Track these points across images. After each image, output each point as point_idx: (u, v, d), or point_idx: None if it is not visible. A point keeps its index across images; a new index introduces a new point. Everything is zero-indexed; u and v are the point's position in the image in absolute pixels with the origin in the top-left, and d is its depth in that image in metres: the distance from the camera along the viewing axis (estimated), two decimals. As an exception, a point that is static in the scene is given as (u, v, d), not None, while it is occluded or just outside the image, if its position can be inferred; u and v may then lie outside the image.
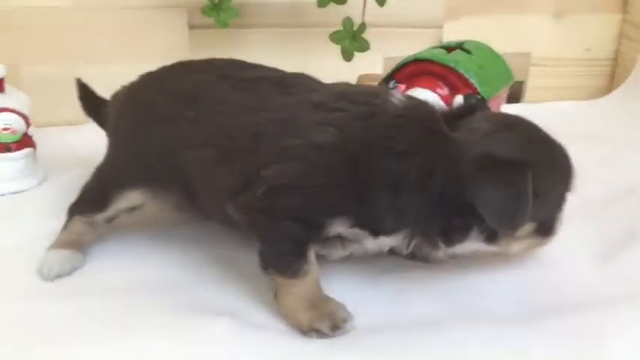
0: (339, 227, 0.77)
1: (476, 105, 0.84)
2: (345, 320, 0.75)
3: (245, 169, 0.79)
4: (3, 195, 1.12)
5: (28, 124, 1.14)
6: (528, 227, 0.79)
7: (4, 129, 1.10)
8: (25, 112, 1.14)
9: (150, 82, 0.95)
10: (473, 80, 0.92)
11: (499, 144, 0.76)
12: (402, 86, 0.97)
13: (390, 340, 0.74)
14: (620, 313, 0.77)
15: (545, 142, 0.82)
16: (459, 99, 0.92)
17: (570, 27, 1.58)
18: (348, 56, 1.26)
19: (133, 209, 0.95)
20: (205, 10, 1.27)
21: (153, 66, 1.05)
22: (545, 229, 0.82)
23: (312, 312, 0.75)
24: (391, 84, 0.97)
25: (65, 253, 0.90)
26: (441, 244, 0.79)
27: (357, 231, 0.78)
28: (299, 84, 0.85)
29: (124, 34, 1.42)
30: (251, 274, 0.84)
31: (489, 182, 0.73)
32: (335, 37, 1.25)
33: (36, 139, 1.19)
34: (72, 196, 1.06)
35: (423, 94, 0.94)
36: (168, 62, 1.14)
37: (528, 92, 1.62)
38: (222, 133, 0.82)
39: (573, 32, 1.59)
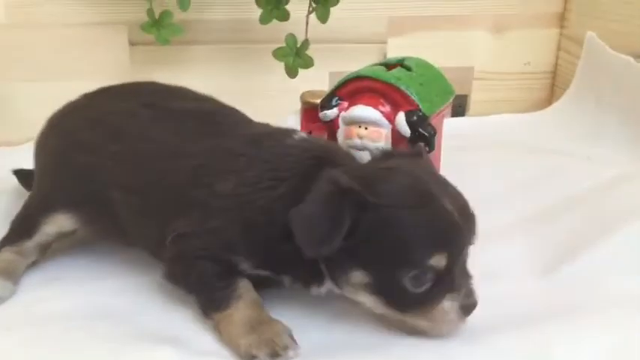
0: (244, 266, 0.79)
1: (418, 152, 0.83)
2: (285, 348, 0.71)
3: (161, 222, 0.83)
4: None
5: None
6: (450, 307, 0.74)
7: None
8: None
9: (72, 109, 0.96)
10: (414, 97, 0.92)
11: (359, 177, 0.73)
12: (345, 103, 0.97)
13: None
14: (566, 324, 0.78)
15: (425, 195, 0.72)
16: (400, 116, 0.92)
17: (510, 42, 1.62)
18: (292, 73, 1.25)
19: (64, 235, 0.94)
20: (145, 27, 1.25)
21: (94, 83, 1.03)
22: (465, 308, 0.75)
23: (251, 337, 0.73)
24: (334, 101, 0.97)
25: None
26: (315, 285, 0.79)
27: (264, 273, 0.79)
28: (219, 122, 0.88)
29: (63, 52, 1.39)
30: (193, 300, 0.82)
31: (309, 204, 0.72)
32: (278, 54, 1.24)
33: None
34: (7, 219, 1.02)
35: (365, 111, 0.94)
36: (109, 79, 1.11)
37: (472, 105, 1.65)
38: (143, 180, 0.85)
39: (513, 47, 1.62)
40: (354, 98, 0.96)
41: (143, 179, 0.85)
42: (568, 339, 0.76)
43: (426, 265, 0.70)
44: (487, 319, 0.80)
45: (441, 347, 0.75)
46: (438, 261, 0.71)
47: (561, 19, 1.62)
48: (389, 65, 0.99)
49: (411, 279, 0.71)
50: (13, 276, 0.89)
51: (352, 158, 0.85)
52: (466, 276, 0.75)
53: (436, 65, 1.08)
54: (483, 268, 0.91)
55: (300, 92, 1.28)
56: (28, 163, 1.22)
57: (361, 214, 0.70)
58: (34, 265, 0.94)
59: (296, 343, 0.73)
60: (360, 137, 0.95)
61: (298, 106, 1.17)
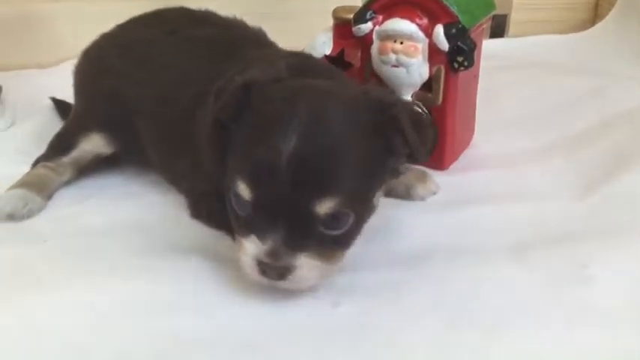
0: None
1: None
2: None
3: (172, 153, 0.85)
4: (-33, 139, 1.08)
5: (-11, 65, 1.09)
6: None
7: (-35, 70, 1.06)
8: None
9: (104, 38, 1.00)
10: (453, 8, 0.88)
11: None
12: (380, 17, 0.93)
13: (384, 278, 0.72)
14: (603, 246, 0.77)
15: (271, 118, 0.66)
16: (438, 29, 0.88)
17: (554, -41, 1.54)
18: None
19: (98, 155, 0.95)
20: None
21: (124, 2, 1.01)
22: None
23: None
24: (368, 14, 0.93)
25: (19, 193, 0.88)
26: None
27: None
28: (233, 48, 0.87)
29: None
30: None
31: None
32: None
33: (2, 82, 1.15)
34: (39, 141, 1.04)
35: (401, 24, 0.90)
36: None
37: (512, 26, 1.59)
38: (159, 108, 0.86)
39: (556, -36, 1.55)
40: (389, 11, 0.92)
41: (160, 107, 0.87)
42: (604, 257, 0.74)
43: (234, 187, 0.66)
44: (524, 237, 0.80)
45: (485, 264, 0.75)
46: (242, 190, 0.65)
47: None
48: (427, -25, 0.94)
49: (229, 192, 0.67)
50: (44, 191, 0.91)
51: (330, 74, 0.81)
52: (292, 243, 0.64)
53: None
54: (520, 188, 0.92)
55: (331, 10, 1.24)
56: (59, 83, 1.23)
57: (246, 105, 0.67)
58: (68, 183, 0.95)
59: None
60: (395, 52, 0.91)
61: (328, 23, 1.13)
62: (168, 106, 0.86)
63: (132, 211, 0.88)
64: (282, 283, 0.65)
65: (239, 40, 0.91)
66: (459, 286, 0.71)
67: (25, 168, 0.96)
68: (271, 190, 0.63)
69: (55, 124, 1.10)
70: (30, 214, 0.87)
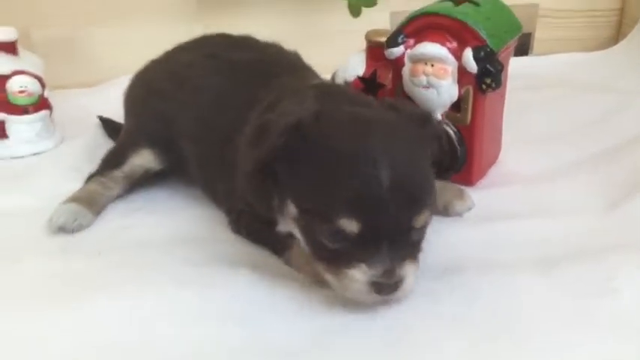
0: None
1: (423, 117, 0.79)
2: None
3: (213, 174, 0.92)
4: (22, 157, 1.15)
5: (43, 86, 1.16)
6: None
7: (20, 91, 1.13)
8: (40, 74, 1.16)
9: (152, 63, 1.07)
10: (481, 33, 0.92)
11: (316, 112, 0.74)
12: (411, 40, 0.97)
13: (420, 290, 0.75)
14: (629, 260, 0.79)
15: (359, 153, 0.70)
16: (468, 52, 0.93)
17: (576, -22, 1.58)
18: (355, 12, 1.26)
19: (148, 171, 1.01)
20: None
21: (163, 26, 1.07)
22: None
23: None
24: (400, 38, 0.97)
25: (71, 207, 0.94)
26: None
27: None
28: (268, 72, 0.93)
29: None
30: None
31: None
32: (342, -7, 1.25)
33: (51, 101, 1.21)
34: (88, 158, 1.10)
35: (432, 47, 0.95)
36: (176, 21, 1.15)
37: (536, 44, 1.63)
38: (200, 130, 0.92)
39: (580, -17, 1.58)
40: (420, 35, 0.96)
41: (200, 129, 0.93)
42: (630, 272, 0.77)
43: (335, 224, 0.68)
44: (551, 251, 0.83)
45: (513, 277, 0.78)
46: (348, 225, 0.68)
47: (631, -46, 1.57)
48: (456, 1, 0.98)
49: (324, 231, 0.70)
50: (95, 206, 0.96)
51: (355, 99, 0.85)
52: (397, 257, 0.69)
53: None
54: (546, 204, 0.96)
55: (363, 33, 1.29)
56: (101, 102, 1.30)
57: (301, 145, 0.70)
58: (118, 198, 1.01)
59: None
60: (426, 74, 0.95)
61: (361, 45, 1.18)
62: (207, 129, 0.92)
63: (180, 224, 0.93)
64: (394, 295, 0.70)
65: (274, 66, 0.96)
66: (491, 298, 0.75)
67: (77, 184, 1.01)
68: (378, 218, 0.68)
69: (102, 142, 1.17)
70: (79, 228, 0.92)
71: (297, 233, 0.75)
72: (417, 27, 0.97)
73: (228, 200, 0.89)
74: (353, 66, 1.06)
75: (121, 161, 1.00)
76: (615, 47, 1.58)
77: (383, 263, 0.68)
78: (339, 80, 1.06)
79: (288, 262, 0.82)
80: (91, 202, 0.96)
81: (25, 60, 1.16)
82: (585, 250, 0.83)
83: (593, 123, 1.21)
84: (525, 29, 1.54)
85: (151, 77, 1.04)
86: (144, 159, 0.99)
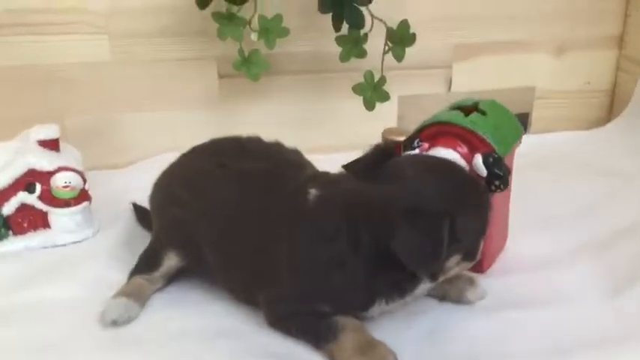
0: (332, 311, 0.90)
1: (388, 149, 0.96)
2: None
3: (241, 280, 0.99)
4: (64, 245, 1.22)
5: (84, 180, 1.23)
6: (455, 259, 0.89)
7: (65, 186, 1.20)
8: (80, 168, 1.23)
9: (171, 167, 1.13)
10: (489, 140, 1.02)
11: (421, 193, 0.85)
12: (426, 145, 1.06)
13: None
14: (636, 347, 0.86)
15: (465, 183, 0.91)
16: (478, 158, 1.02)
17: (570, 63, 1.70)
18: (369, 106, 1.36)
19: (182, 267, 1.08)
20: (236, 65, 1.37)
21: (186, 113, 1.15)
22: (470, 256, 0.91)
23: (362, 358, 0.85)
24: (416, 142, 1.07)
25: (122, 301, 1.01)
26: (397, 298, 0.91)
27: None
28: (275, 182, 1.00)
29: (158, 84, 1.53)
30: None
31: (409, 234, 0.83)
32: (357, 89, 1.36)
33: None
34: (125, 246, 1.18)
35: (444, 152, 1.04)
36: (199, 108, 1.27)
37: (534, 122, 1.74)
38: (218, 239, 0.99)
39: (573, 67, 1.70)
40: (434, 140, 1.06)
41: (219, 238, 0.99)
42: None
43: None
44: (560, 340, 0.90)
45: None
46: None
47: (620, 40, 1.69)
48: (466, 109, 1.08)
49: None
50: (141, 299, 1.03)
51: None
52: None
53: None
54: (552, 291, 1.02)
55: (376, 116, 1.39)
56: (132, 183, 1.39)
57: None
58: (159, 290, 1.08)
59: None
60: (440, 175, 1.05)
61: (376, 133, 1.26)
62: (227, 239, 0.98)
63: (218, 315, 0.99)
64: None
65: (278, 174, 1.02)
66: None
67: (116, 272, 1.09)
68: None
69: (136, 229, 1.26)
70: (129, 321, 0.99)
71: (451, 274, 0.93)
72: (432, 133, 1.06)
73: (271, 309, 0.96)
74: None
75: (157, 263, 1.06)
76: (607, 126, 1.69)
77: None
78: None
79: (331, 355, 0.88)
80: (138, 295, 1.03)
81: (67, 155, 1.23)
82: (594, 339, 0.89)
83: (591, 207, 1.29)
84: (524, 109, 1.68)
85: (169, 183, 1.09)
86: (175, 260, 1.06)
